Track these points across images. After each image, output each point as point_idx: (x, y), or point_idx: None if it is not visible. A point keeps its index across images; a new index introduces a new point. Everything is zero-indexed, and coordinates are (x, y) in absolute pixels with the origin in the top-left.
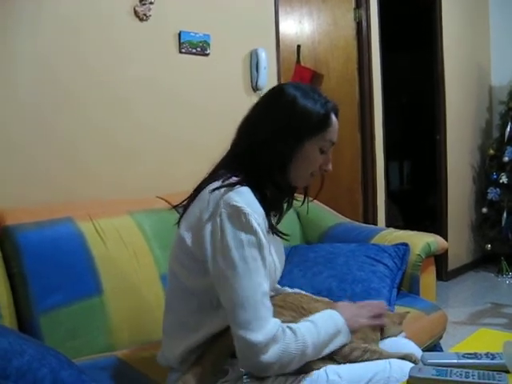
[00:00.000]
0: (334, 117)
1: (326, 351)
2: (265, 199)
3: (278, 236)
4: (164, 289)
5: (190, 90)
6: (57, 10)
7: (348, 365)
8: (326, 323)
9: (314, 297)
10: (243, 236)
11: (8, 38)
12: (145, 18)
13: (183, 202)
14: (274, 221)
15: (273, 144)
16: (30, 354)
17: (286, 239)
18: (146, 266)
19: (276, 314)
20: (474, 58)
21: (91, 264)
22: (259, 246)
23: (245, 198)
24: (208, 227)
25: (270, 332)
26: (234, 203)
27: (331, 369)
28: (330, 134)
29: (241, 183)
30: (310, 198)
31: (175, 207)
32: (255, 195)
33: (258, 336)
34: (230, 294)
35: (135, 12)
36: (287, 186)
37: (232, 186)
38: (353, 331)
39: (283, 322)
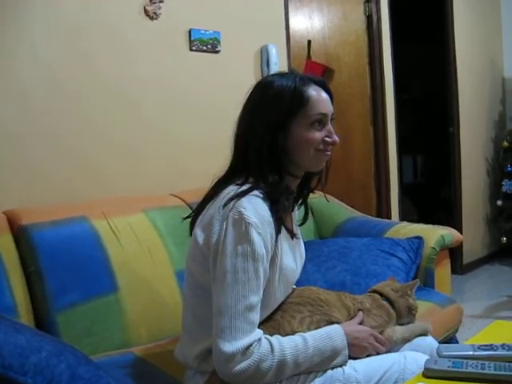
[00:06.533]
0: (312, 89)
1: (317, 369)
2: (275, 201)
3: (290, 235)
4: (179, 285)
5: (201, 87)
6: (64, 12)
7: (363, 359)
8: (322, 343)
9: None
10: (239, 246)
11: (14, 42)
12: (155, 16)
13: (197, 208)
14: (293, 221)
15: (261, 137)
16: (47, 351)
17: (292, 237)
18: (160, 262)
19: (294, 312)
20: (486, 49)
21: (106, 262)
22: (254, 258)
23: (254, 205)
24: (216, 229)
25: (241, 345)
26: (242, 210)
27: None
28: (314, 107)
29: (255, 188)
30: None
31: (188, 217)
32: (268, 199)
33: (227, 346)
34: (215, 299)
35: (145, 11)
36: (292, 179)
37: (246, 192)
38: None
39: (302, 318)
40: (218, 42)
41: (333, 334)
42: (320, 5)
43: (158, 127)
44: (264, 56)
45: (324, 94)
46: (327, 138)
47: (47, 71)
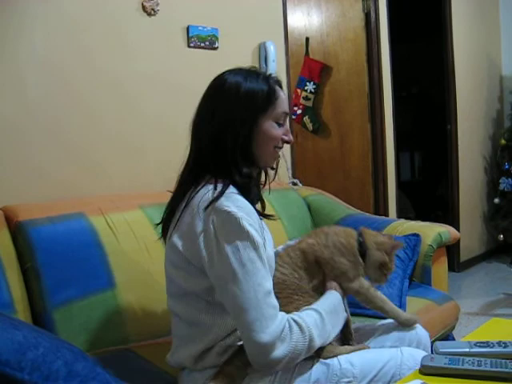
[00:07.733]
0: (279, 88)
1: (330, 339)
2: (245, 192)
3: (267, 218)
4: None
5: (199, 84)
6: (63, 8)
7: (360, 352)
8: (332, 313)
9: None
10: (238, 241)
11: (15, 38)
12: (153, 12)
13: (167, 213)
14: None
15: (230, 132)
16: (44, 347)
17: (273, 219)
18: (157, 259)
19: (283, 307)
20: (484, 47)
21: (103, 258)
22: (255, 247)
23: (234, 201)
24: (202, 235)
25: (275, 331)
26: (226, 208)
27: (343, 357)
28: (280, 105)
29: (227, 185)
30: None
31: (160, 223)
32: (241, 192)
33: (263, 336)
34: (232, 300)
35: (143, 7)
36: (255, 169)
37: (221, 192)
38: None
39: (294, 308)
40: (216, 38)
41: (336, 305)
42: (318, 2)
43: (156, 125)
44: (262, 53)
45: (284, 94)
46: (284, 136)
47: (46, 68)
